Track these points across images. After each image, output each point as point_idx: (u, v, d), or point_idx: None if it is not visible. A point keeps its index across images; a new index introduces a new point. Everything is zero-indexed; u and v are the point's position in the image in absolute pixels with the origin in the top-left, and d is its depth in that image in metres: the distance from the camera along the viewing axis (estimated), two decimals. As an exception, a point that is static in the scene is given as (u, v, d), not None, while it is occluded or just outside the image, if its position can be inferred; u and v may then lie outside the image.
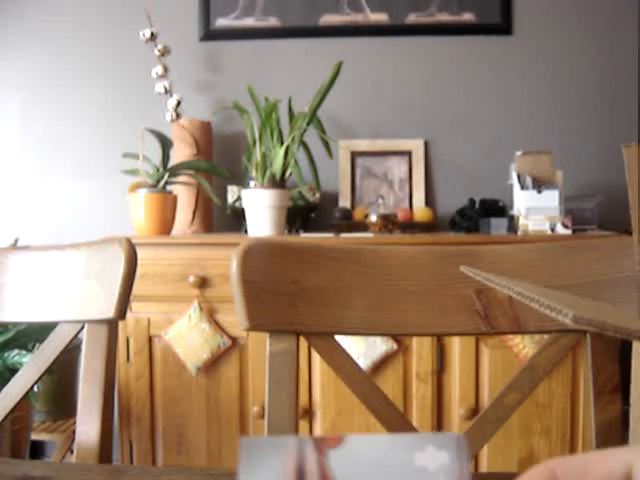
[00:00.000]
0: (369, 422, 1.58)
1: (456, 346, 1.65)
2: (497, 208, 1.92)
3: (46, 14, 2.27)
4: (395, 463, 0.25)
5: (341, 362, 0.77)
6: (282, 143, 1.80)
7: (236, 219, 2.06)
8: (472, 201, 1.96)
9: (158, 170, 1.86)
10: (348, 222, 1.98)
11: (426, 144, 2.16)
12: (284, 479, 0.25)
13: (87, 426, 0.74)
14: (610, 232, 1.81)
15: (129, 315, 1.70)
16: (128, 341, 1.74)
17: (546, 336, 0.78)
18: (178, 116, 2.05)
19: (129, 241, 0.78)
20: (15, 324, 1.64)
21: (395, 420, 0.76)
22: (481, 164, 2.15)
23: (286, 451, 0.25)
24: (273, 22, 2.20)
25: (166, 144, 1.90)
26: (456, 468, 0.25)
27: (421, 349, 1.65)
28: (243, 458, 0.25)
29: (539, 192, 1.79)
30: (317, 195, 2.05)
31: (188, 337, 1.70)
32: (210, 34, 2.22)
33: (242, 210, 1.89)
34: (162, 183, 1.83)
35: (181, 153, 2.02)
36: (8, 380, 0.80)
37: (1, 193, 2.31)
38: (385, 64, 2.19)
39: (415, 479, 0.24)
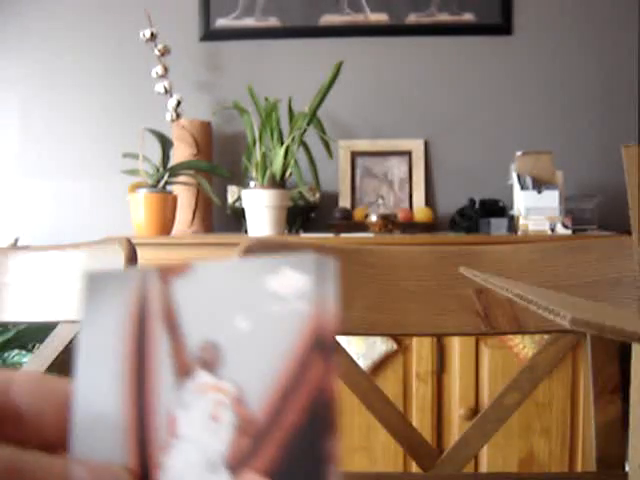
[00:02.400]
0: (369, 422, 1.58)
1: (456, 346, 1.65)
2: (497, 208, 1.92)
3: (46, 14, 2.27)
4: (244, 288, 0.22)
5: (341, 362, 0.77)
6: (282, 143, 1.80)
7: (236, 219, 2.06)
8: (472, 201, 1.96)
9: (158, 170, 1.86)
10: (348, 222, 1.98)
11: (426, 144, 2.16)
12: (126, 312, 0.23)
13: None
14: (610, 232, 1.81)
15: (129, 315, 1.70)
16: (128, 341, 1.74)
17: (546, 336, 0.78)
18: (178, 116, 2.05)
19: (129, 241, 0.78)
20: (15, 324, 1.64)
21: (395, 420, 0.76)
22: (481, 164, 2.15)
23: (130, 282, 0.23)
24: (273, 22, 2.20)
25: (166, 144, 1.90)
26: (317, 293, 0.21)
27: (421, 349, 1.65)
28: (86, 292, 0.23)
29: (539, 192, 1.79)
30: (317, 195, 2.05)
31: (188, 337, 1.69)
32: (210, 34, 2.22)
33: (242, 210, 1.89)
34: (162, 183, 1.83)
35: (181, 153, 2.02)
36: (8, 380, 0.80)
37: (1, 193, 2.31)
38: (385, 64, 2.19)
39: (267, 305, 0.21)
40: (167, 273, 0.23)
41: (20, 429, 0.22)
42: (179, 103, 2.04)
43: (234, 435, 0.21)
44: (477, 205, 1.95)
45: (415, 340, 1.64)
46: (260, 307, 0.22)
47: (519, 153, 1.87)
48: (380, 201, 2.14)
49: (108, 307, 0.23)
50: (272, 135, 1.81)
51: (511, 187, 1.88)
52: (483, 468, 1.65)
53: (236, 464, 0.21)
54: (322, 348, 0.21)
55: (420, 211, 2.03)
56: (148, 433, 0.22)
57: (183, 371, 0.22)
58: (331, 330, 0.21)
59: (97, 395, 0.23)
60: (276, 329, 0.21)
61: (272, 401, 0.21)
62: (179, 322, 0.22)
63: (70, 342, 0.79)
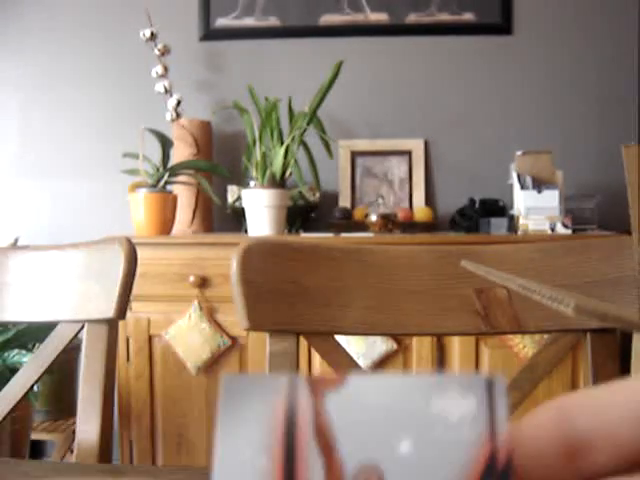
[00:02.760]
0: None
1: (456, 346, 1.65)
2: (497, 208, 1.92)
3: (46, 14, 2.27)
4: (407, 408, 0.20)
5: (341, 362, 0.77)
6: (282, 143, 1.80)
7: (236, 219, 2.06)
8: (472, 201, 1.96)
9: (158, 170, 1.86)
10: (348, 222, 1.98)
11: (426, 144, 2.16)
12: (271, 424, 0.21)
13: (87, 426, 0.74)
14: (610, 232, 1.81)
15: (129, 315, 1.70)
16: (128, 341, 1.74)
17: (546, 336, 0.78)
18: (178, 116, 2.05)
19: (129, 241, 0.78)
20: (15, 324, 1.64)
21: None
22: (481, 164, 2.15)
23: (275, 391, 0.21)
24: (273, 22, 2.20)
25: (166, 144, 1.90)
26: (485, 417, 0.20)
27: (421, 349, 1.65)
28: (224, 397, 0.21)
29: (539, 192, 1.79)
30: (317, 195, 2.05)
31: (188, 337, 1.70)
32: (210, 34, 2.22)
33: (242, 210, 1.89)
34: (162, 183, 1.83)
35: (181, 153, 2.02)
36: (8, 380, 0.80)
37: (1, 193, 2.31)
38: (385, 64, 2.19)
39: (432, 430, 0.20)
40: (319, 384, 0.21)
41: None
42: (179, 103, 2.04)
43: None
44: (477, 205, 1.95)
45: (415, 340, 1.65)
46: (425, 431, 0.20)
47: (519, 153, 1.87)
48: (380, 201, 2.14)
49: (249, 416, 0.21)
50: (272, 135, 1.81)
51: (511, 187, 1.88)
52: (483, 468, 1.65)
53: None
54: (491, 477, 0.19)
55: (420, 211, 2.03)
56: None
57: None
58: (504, 460, 0.19)
59: None
60: (443, 457, 0.20)
61: None
62: (334, 441, 0.20)
63: (70, 342, 0.79)
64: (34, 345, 1.70)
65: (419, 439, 0.20)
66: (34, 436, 1.88)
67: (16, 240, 2.03)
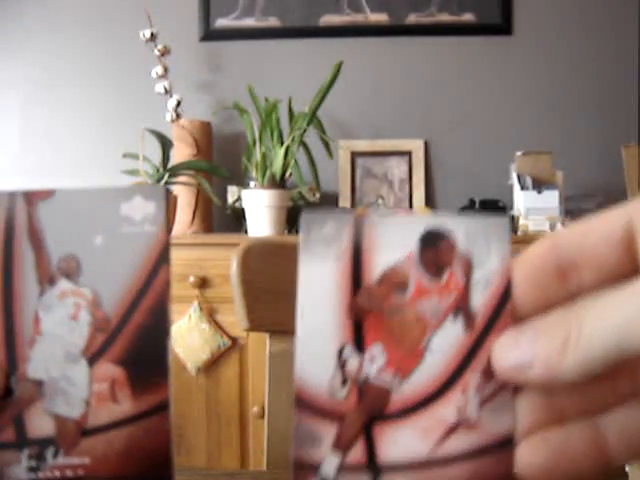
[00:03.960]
0: (369, 422, 1.58)
1: (456, 346, 1.65)
2: (497, 208, 1.92)
3: (46, 14, 2.27)
4: (101, 212, 0.26)
5: (341, 362, 0.77)
6: (282, 143, 1.80)
7: (236, 219, 2.06)
8: (472, 201, 1.96)
9: (158, 170, 1.86)
10: (348, 222, 1.98)
11: (426, 144, 2.16)
12: None
13: (87, 426, 0.74)
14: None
15: (129, 315, 1.70)
16: (128, 341, 1.74)
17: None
18: (178, 116, 2.05)
19: (129, 241, 0.78)
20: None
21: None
22: (481, 164, 2.15)
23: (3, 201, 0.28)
24: (273, 22, 2.20)
25: (166, 144, 1.90)
26: (162, 216, 0.27)
27: (421, 349, 1.65)
28: None
29: (539, 192, 1.79)
30: (317, 195, 2.05)
31: (188, 337, 1.70)
32: (210, 34, 2.22)
33: (242, 210, 1.89)
34: (162, 183, 1.83)
35: (181, 153, 2.02)
36: (8, 380, 0.80)
37: (1, 193, 2.31)
38: (385, 64, 2.19)
39: (120, 227, 0.26)
40: (32, 197, 0.28)
41: None
42: (179, 103, 2.04)
43: (91, 332, 0.26)
44: (477, 205, 1.95)
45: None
46: (114, 228, 0.27)
47: (519, 153, 1.87)
48: (380, 201, 2.14)
49: None
50: (272, 135, 1.81)
51: (511, 187, 1.88)
52: (483, 468, 1.65)
53: (93, 356, 0.26)
54: (164, 262, 0.26)
55: (420, 211, 2.03)
56: (15, 331, 0.26)
57: (46, 280, 0.26)
58: (168, 248, 0.26)
59: None
60: (128, 246, 0.26)
61: (123, 304, 0.26)
62: (43, 239, 0.27)
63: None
64: (34, 345, 1.71)
65: (109, 234, 0.27)
66: (34, 436, 1.88)
67: (16, 240, 2.03)
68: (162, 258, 0.26)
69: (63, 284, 0.26)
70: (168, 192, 0.27)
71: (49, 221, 0.27)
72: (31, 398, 0.25)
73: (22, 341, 0.26)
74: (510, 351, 0.24)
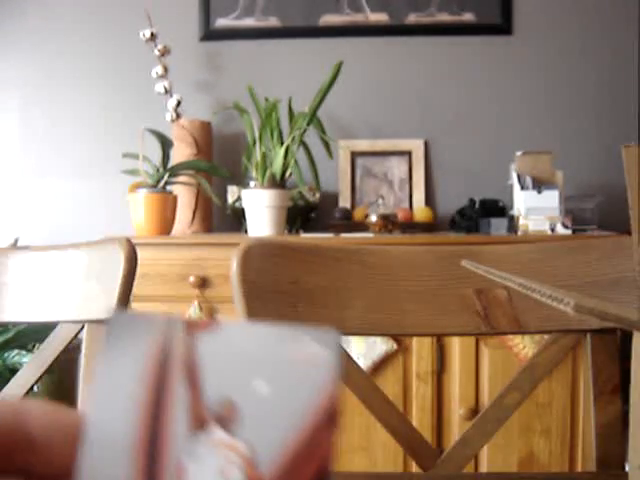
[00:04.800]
0: (369, 422, 1.58)
1: (456, 346, 1.65)
2: (497, 208, 1.92)
3: (46, 14, 2.27)
4: (266, 354, 0.23)
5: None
6: (282, 143, 1.80)
7: (236, 219, 2.06)
8: (472, 201, 1.96)
9: (158, 170, 1.86)
10: (348, 222, 1.98)
11: (426, 144, 2.16)
12: (148, 358, 0.23)
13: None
14: (610, 232, 1.81)
15: (129, 315, 1.70)
16: (128, 341, 1.74)
17: (546, 336, 0.78)
18: (178, 116, 2.05)
19: (129, 241, 0.78)
20: (15, 324, 1.64)
21: (395, 420, 0.76)
22: (481, 164, 2.15)
23: (155, 328, 0.24)
24: (273, 22, 2.20)
25: (166, 144, 1.90)
26: (331, 364, 0.23)
27: (421, 349, 1.65)
28: (110, 330, 0.24)
29: (539, 192, 1.79)
30: (317, 195, 2.05)
31: (188, 337, 1.69)
32: (210, 34, 2.22)
33: (242, 210, 1.89)
34: (162, 183, 1.83)
35: (181, 153, 2.02)
36: (8, 380, 0.80)
37: (1, 193, 2.31)
38: (385, 64, 2.19)
39: (286, 373, 0.23)
40: (193, 326, 0.24)
41: (30, 458, 0.22)
42: (179, 103, 2.04)
43: None
44: (477, 205, 1.95)
45: (415, 340, 1.64)
46: (279, 374, 0.23)
47: (519, 153, 1.87)
48: (380, 201, 2.14)
49: (129, 349, 0.23)
50: (272, 135, 1.81)
51: (511, 187, 1.88)
52: (483, 468, 1.65)
53: None
54: (332, 421, 0.22)
55: (420, 211, 2.03)
56: (157, 476, 0.22)
57: (198, 424, 0.23)
58: (339, 405, 0.22)
59: (108, 434, 0.23)
60: (293, 398, 0.23)
61: (282, 467, 0.22)
62: (200, 376, 0.23)
63: (70, 342, 0.79)
64: (34, 345, 1.70)
65: (274, 381, 0.23)
66: (34, 436, 1.88)
67: (16, 240, 2.03)
68: (331, 416, 0.22)
69: (217, 433, 0.23)
70: (339, 337, 0.24)
71: (209, 357, 0.23)
72: None
73: None
74: None
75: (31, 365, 0.80)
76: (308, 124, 1.80)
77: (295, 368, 0.23)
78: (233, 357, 0.23)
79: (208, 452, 0.22)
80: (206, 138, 2.07)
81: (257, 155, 1.80)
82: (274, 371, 0.23)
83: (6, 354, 1.63)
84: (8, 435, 0.22)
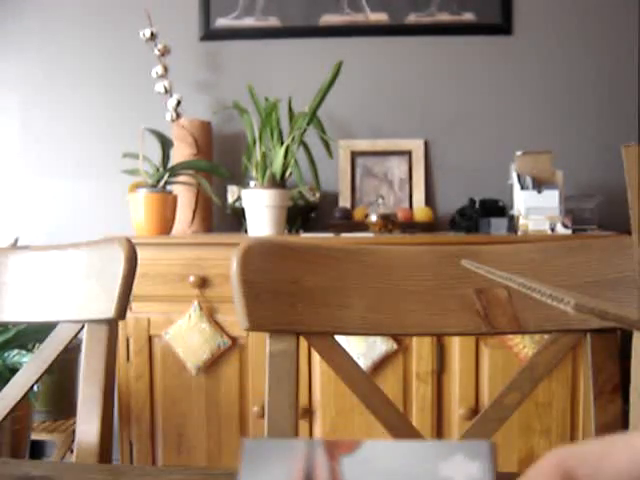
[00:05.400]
0: (369, 422, 1.58)
1: (456, 346, 1.65)
2: (497, 208, 1.92)
3: (46, 14, 2.27)
4: (417, 472, 0.22)
5: (341, 362, 0.77)
6: (282, 143, 1.80)
7: (236, 219, 2.06)
8: (472, 201, 1.96)
9: (158, 170, 1.86)
10: (348, 222, 1.98)
11: (426, 144, 2.16)
12: None
13: (87, 426, 0.74)
14: (610, 232, 1.81)
15: (129, 315, 1.70)
16: (128, 341, 1.74)
17: (546, 336, 0.78)
18: (178, 116, 2.05)
19: (129, 241, 0.78)
20: (15, 324, 1.64)
21: (395, 420, 0.76)
22: (481, 164, 2.15)
23: (294, 455, 0.23)
24: (273, 22, 2.20)
25: (166, 144, 1.90)
26: (489, 478, 0.22)
27: (421, 349, 1.65)
28: (245, 461, 0.23)
29: (539, 192, 1.79)
30: (317, 195, 2.05)
31: (188, 337, 1.70)
32: (210, 34, 2.22)
33: (242, 210, 1.89)
34: (162, 183, 1.84)
35: (181, 153, 2.02)
36: (8, 380, 0.80)
37: (1, 193, 2.31)
38: (385, 64, 2.19)
39: None
40: (334, 448, 0.23)
41: None
42: (179, 103, 2.04)
43: None
44: (477, 205, 1.95)
45: (415, 340, 1.65)
46: None
47: (519, 153, 1.87)
48: (380, 201, 2.14)
49: (269, 477, 0.23)
50: (272, 135, 1.81)
51: (511, 187, 1.88)
52: (483, 468, 1.65)
53: None
54: None
55: (420, 211, 2.03)
56: None
57: None
58: None
59: None
60: None
61: None
62: None
63: (70, 342, 0.79)
64: (34, 345, 1.70)
65: None
66: (34, 436, 1.88)
67: (16, 240, 2.03)
68: None
69: None
70: (492, 447, 0.22)
71: (354, 478, 0.22)
72: None
73: None
74: None
75: (31, 365, 0.80)
76: (308, 124, 1.80)
77: None
78: (381, 478, 0.22)
79: None
80: (206, 138, 2.07)
81: (257, 155, 1.80)
82: None
83: (6, 354, 1.63)
84: None
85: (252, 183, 1.85)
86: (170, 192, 1.87)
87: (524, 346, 1.61)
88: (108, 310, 0.76)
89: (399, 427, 0.75)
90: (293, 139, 1.78)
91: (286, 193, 1.83)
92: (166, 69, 2.06)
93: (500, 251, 0.79)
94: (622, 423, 0.72)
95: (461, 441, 0.22)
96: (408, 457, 0.22)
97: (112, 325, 0.78)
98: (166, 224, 1.83)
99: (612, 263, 0.76)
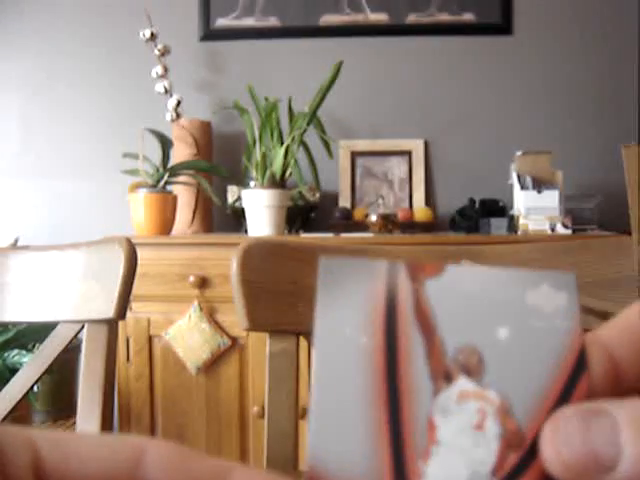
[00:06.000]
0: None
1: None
2: (497, 208, 1.92)
3: (46, 14, 2.27)
4: (504, 299, 0.21)
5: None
6: (282, 143, 1.80)
7: (236, 219, 2.06)
8: (472, 201, 1.96)
9: (158, 170, 1.86)
10: (348, 222, 1.98)
11: (426, 144, 2.16)
12: (371, 305, 0.21)
13: (87, 426, 0.74)
14: (610, 232, 1.81)
15: (129, 315, 1.70)
16: (128, 341, 1.74)
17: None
18: (178, 116, 2.05)
19: (129, 241, 0.78)
20: (15, 324, 1.64)
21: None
22: (481, 164, 2.15)
23: (375, 276, 0.22)
24: (273, 22, 2.20)
25: (166, 144, 1.90)
26: (574, 312, 0.21)
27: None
28: (323, 279, 0.21)
29: (539, 192, 1.79)
30: (317, 195, 2.05)
31: (188, 337, 1.70)
32: (210, 34, 2.22)
33: (242, 210, 1.89)
34: (162, 183, 1.83)
35: (181, 153, 2.02)
36: (8, 380, 0.80)
37: (1, 193, 2.31)
38: (385, 64, 2.19)
39: (528, 319, 0.21)
40: (418, 271, 0.22)
41: None
42: (179, 103, 2.04)
43: (501, 448, 0.20)
44: (477, 205, 1.95)
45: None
46: (521, 320, 0.21)
47: (519, 153, 1.87)
48: (380, 201, 2.14)
49: (348, 298, 0.21)
50: (272, 135, 1.81)
51: (511, 187, 1.88)
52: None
53: (505, 479, 0.20)
54: (582, 366, 0.21)
55: (420, 211, 2.03)
56: (404, 438, 0.20)
57: (441, 375, 0.21)
58: (585, 348, 0.21)
59: (340, 390, 0.20)
60: (540, 343, 0.21)
61: (539, 416, 0.20)
62: (434, 324, 0.21)
63: (70, 342, 0.79)
64: (34, 345, 1.70)
65: (516, 327, 0.21)
66: (34, 436, 1.88)
67: (16, 240, 2.03)
68: (580, 363, 0.21)
69: (463, 383, 0.21)
70: (575, 279, 0.22)
71: (440, 304, 0.21)
72: None
73: (413, 452, 0.20)
74: (576, 442, 0.18)
75: (31, 365, 0.80)
76: (308, 124, 1.80)
77: (536, 314, 0.21)
78: (467, 303, 0.21)
79: (457, 405, 0.21)
80: (206, 138, 2.07)
81: (257, 155, 1.80)
82: (515, 317, 0.21)
83: (6, 354, 1.63)
84: None
85: (252, 183, 1.85)
86: (170, 192, 1.87)
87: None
88: (108, 310, 0.76)
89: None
90: (293, 139, 1.78)
91: (286, 193, 1.83)
92: (166, 69, 2.06)
93: (500, 251, 0.79)
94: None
95: (546, 271, 0.21)
96: (495, 283, 0.22)
97: (112, 325, 0.78)
98: (166, 224, 1.83)
99: (612, 263, 0.76)
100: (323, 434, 0.20)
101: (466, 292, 0.21)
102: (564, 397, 0.20)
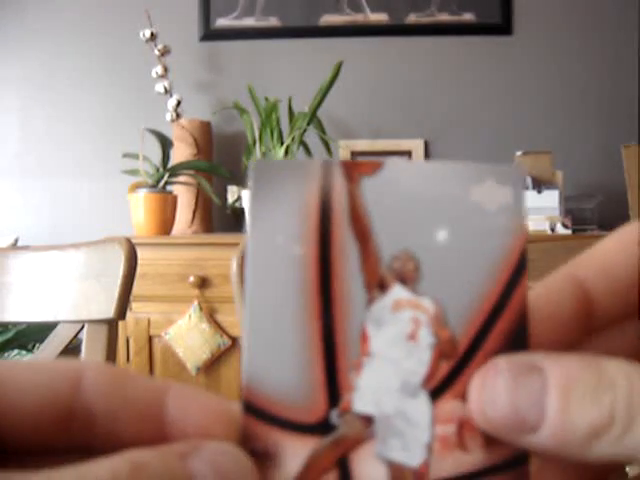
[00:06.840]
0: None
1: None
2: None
3: (47, 14, 2.27)
4: (446, 196, 0.20)
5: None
6: (282, 143, 1.80)
7: (236, 219, 2.06)
8: (472, 201, 1.96)
9: (158, 170, 1.86)
10: (348, 222, 1.98)
11: (426, 144, 2.16)
12: (304, 210, 0.20)
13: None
14: (610, 232, 1.81)
15: (129, 315, 1.70)
16: (128, 341, 1.74)
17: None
18: (178, 116, 2.05)
19: (129, 241, 0.78)
20: (15, 324, 1.64)
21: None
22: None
23: (308, 177, 0.20)
24: (273, 22, 2.20)
25: (166, 144, 1.90)
26: (520, 210, 0.20)
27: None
28: (254, 183, 0.20)
29: (539, 192, 1.79)
30: (317, 195, 2.05)
31: (188, 337, 1.70)
32: (210, 34, 2.22)
33: (242, 210, 1.89)
34: (162, 183, 1.83)
35: (181, 153, 2.02)
36: (8, 380, 0.80)
37: (1, 193, 2.31)
38: (385, 64, 2.19)
39: (470, 218, 0.20)
40: (354, 170, 0.20)
41: (90, 433, 0.19)
42: (179, 103, 2.04)
43: (433, 358, 0.19)
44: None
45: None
46: (462, 219, 0.20)
47: (519, 153, 1.87)
48: (380, 201, 2.14)
49: (281, 203, 0.20)
50: (272, 135, 1.81)
51: (511, 187, 1.88)
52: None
53: (436, 389, 0.19)
54: (522, 269, 0.19)
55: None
56: (337, 350, 0.19)
57: (375, 283, 0.20)
58: (526, 249, 0.20)
59: (272, 299, 0.20)
60: (480, 244, 0.20)
61: (475, 322, 0.19)
62: (370, 229, 0.20)
63: (70, 342, 0.79)
64: (34, 345, 1.70)
65: (456, 227, 0.20)
66: (34, 436, 1.88)
67: (16, 240, 2.03)
68: (522, 263, 0.20)
69: (397, 291, 0.20)
70: (524, 174, 0.20)
71: (377, 205, 0.20)
72: (358, 438, 0.19)
73: (346, 363, 0.20)
74: (502, 401, 0.18)
75: (31, 365, 0.80)
76: (308, 124, 1.80)
77: (479, 212, 0.20)
78: (405, 203, 0.20)
79: (391, 315, 0.20)
80: (206, 138, 2.07)
81: (257, 155, 1.80)
82: (456, 217, 0.20)
83: (6, 354, 1.63)
84: (66, 408, 0.18)
85: (252, 183, 1.85)
86: (170, 192, 1.87)
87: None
88: (108, 310, 0.76)
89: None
90: (293, 139, 1.78)
91: (286, 193, 1.83)
92: (166, 69, 2.06)
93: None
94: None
95: (492, 165, 0.20)
96: (437, 179, 0.20)
97: (112, 325, 0.78)
98: (166, 224, 1.83)
99: (612, 263, 0.76)
100: (257, 349, 0.19)
101: (405, 190, 0.20)
102: (501, 302, 0.19)
